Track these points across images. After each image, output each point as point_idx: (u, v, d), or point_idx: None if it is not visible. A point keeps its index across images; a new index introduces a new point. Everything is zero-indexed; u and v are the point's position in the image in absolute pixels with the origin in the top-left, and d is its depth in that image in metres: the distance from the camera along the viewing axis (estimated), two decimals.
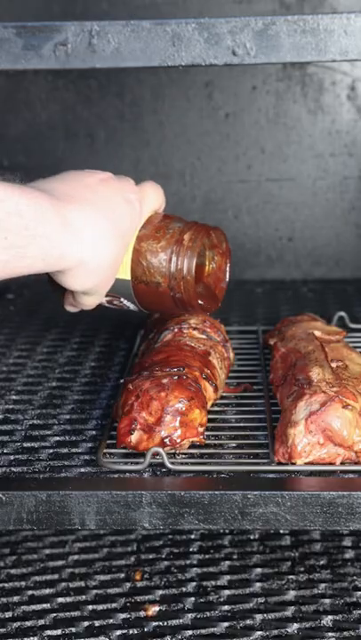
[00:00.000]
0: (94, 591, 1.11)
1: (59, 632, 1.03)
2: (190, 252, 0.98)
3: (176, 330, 1.09)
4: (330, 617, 1.04)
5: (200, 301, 1.02)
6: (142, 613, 1.06)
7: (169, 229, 1.00)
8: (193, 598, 1.09)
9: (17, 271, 0.84)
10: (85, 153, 1.62)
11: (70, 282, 0.91)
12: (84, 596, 1.10)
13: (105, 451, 0.96)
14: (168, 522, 0.89)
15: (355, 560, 1.15)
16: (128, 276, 0.99)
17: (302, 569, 1.14)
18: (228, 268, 1.06)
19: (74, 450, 0.99)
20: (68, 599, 1.09)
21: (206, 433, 0.97)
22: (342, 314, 1.29)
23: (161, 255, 0.98)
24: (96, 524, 0.89)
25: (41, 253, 0.84)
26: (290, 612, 1.06)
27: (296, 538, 1.20)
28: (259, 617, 1.05)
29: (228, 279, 1.06)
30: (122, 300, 1.01)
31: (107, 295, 0.99)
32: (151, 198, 1.01)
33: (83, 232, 0.88)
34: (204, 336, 1.09)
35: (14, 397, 1.13)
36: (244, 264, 1.65)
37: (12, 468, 0.95)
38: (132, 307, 1.02)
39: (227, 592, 1.10)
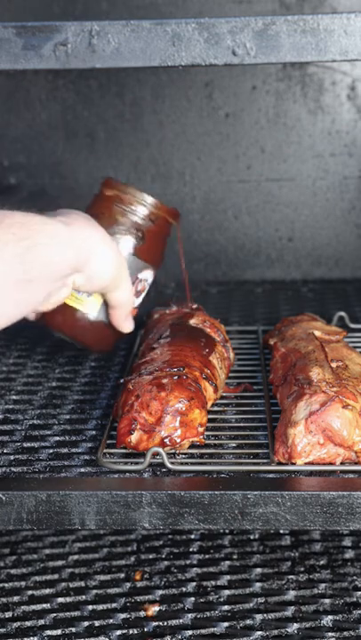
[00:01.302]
0: (94, 591, 1.11)
1: (59, 632, 1.03)
2: None
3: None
4: (330, 617, 1.04)
5: None
6: (142, 613, 1.06)
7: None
8: (193, 598, 1.09)
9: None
10: (85, 153, 1.62)
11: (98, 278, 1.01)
12: (84, 596, 1.10)
13: (105, 451, 0.96)
14: (168, 522, 0.89)
15: (355, 560, 1.15)
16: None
17: (302, 569, 1.14)
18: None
19: (74, 450, 0.99)
20: (68, 599, 1.09)
21: (206, 433, 0.97)
22: (342, 314, 1.29)
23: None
24: (96, 524, 0.89)
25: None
26: (290, 612, 1.06)
27: (296, 538, 1.20)
28: (259, 617, 1.05)
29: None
30: (140, 275, 1.11)
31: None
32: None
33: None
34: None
35: (14, 397, 1.13)
36: (244, 264, 1.65)
37: (12, 468, 0.95)
38: (150, 278, 1.14)
39: (227, 592, 1.10)
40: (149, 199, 1.12)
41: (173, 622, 1.05)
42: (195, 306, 1.20)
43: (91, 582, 1.12)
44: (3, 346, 1.31)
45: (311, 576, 1.12)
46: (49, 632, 1.03)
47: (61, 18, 1.56)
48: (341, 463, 0.93)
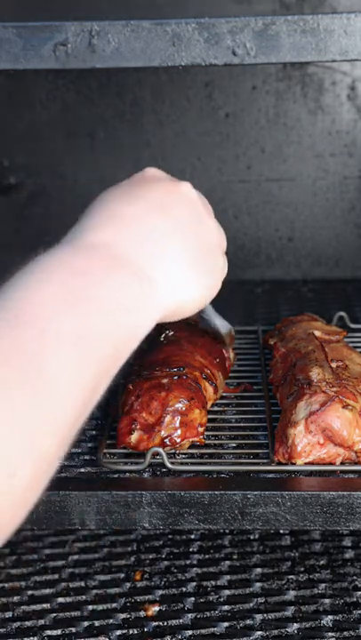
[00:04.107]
0: (94, 591, 1.11)
1: (59, 632, 1.03)
2: None
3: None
4: (330, 617, 1.04)
5: None
6: (142, 613, 1.06)
7: None
8: (193, 598, 1.09)
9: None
10: (85, 153, 1.62)
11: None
12: (84, 596, 1.10)
13: (105, 451, 0.96)
14: (168, 522, 0.89)
15: (355, 560, 1.15)
16: None
17: (302, 569, 1.14)
18: None
19: (74, 450, 0.99)
20: (68, 599, 1.09)
21: (206, 433, 0.97)
22: (342, 314, 1.29)
23: None
24: (96, 524, 0.89)
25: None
26: (290, 612, 1.06)
27: (296, 538, 1.20)
28: (259, 617, 1.04)
29: None
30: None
31: None
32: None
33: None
34: None
35: None
36: (244, 264, 1.65)
37: None
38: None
39: (227, 592, 1.10)
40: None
41: (173, 622, 1.05)
42: None
43: (91, 582, 1.12)
44: None
45: (311, 576, 1.12)
46: (49, 632, 1.03)
47: (61, 18, 1.56)
48: (341, 463, 0.93)
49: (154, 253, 0.71)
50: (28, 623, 1.05)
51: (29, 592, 1.11)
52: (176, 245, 0.74)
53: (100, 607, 1.08)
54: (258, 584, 1.11)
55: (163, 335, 1.09)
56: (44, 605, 1.08)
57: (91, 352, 0.62)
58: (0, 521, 0.56)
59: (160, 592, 1.10)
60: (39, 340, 0.57)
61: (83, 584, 1.12)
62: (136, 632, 1.03)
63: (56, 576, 1.14)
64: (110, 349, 0.64)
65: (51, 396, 0.57)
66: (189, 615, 1.05)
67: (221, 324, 1.12)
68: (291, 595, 1.09)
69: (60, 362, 0.58)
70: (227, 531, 1.21)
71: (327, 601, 1.07)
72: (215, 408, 1.06)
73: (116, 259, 0.68)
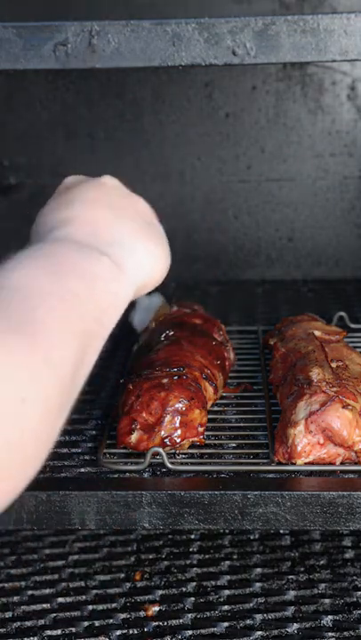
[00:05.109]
0: (94, 591, 1.11)
1: (59, 632, 1.03)
2: None
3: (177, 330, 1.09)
4: (330, 617, 1.04)
5: None
6: (142, 613, 1.06)
7: None
8: (193, 598, 1.09)
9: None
10: (85, 153, 1.62)
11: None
12: (84, 596, 1.10)
13: (105, 451, 0.96)
14: (168, 522, 0.89)
15: (355, 560, 1.15)
16: None
17: (302, 569, 1.14)
18: None
19: (74, 450, 0.99)
20: (68, 599, 1.09)
21: (206, 433, 0.97)
22: (342, 314, 1.29)
23: None
24: (96, 524, 0.89)
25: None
26: (290, 612, 1.06)
27: (296, 538, 1.20)
28: (259, 617, 1.04)
29: None
30: None
31: None
32: None
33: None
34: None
35: None
36: (244, 264, 1.65)
37: None
38: None
39: (227, 592, 1.10)
40: None
41: (173, 622, 1.05)
42: (195, 306, 1.20)
43: (91, 582, 1.12)
44: None
45: (311, 576, 1.12)
46: (49, 632, 1.03)
47: (61, 18, 1.56)
48: (341, 463, 0.93)
49: (109, 235, 0.77)
50: (28, 623, 1.05)
51: (29, 592, 1.11)
52: (124, 224, 0.80)
53: (100, 607, 1.08)
54: (258, 584, 1.11)
55: (163, 335, 1.09)
56: (44, 605, 1.08)
57: (74, 308, 0.66)
58: (22, 455, 0.57)
59: (160, 592, 1.10)
60: (25, 300, 0.62)
61: (83, 584, 1.12)
62: (136, 632, 1.03)
63: (56, 576, 1.14)
64: (93, 309, 0.69)
65: (43, 340, 0.61)
66: (189, 615, 1.05)
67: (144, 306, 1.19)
68: (291, 595, 1.09)
69: (47, 314, 0.63)
70: (227, 531, 1.21)
71: (327, 601, 1.07)
72: (215, 408, 1.06)
73: (79, 243, 0.74)
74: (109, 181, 0.85)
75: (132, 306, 1.02)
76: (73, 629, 1.04)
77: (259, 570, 1.14)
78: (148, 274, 0.80)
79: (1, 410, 0.55)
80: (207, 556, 1.17)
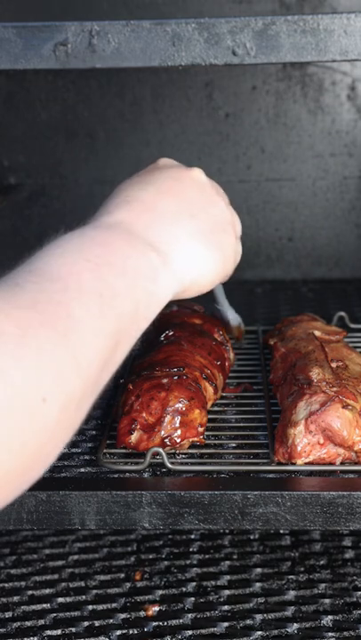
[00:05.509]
0: (94, 591, 1.11)
1: (59, 632, 1.03)
2: None
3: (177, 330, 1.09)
4: (330, 617, 1.04)
5: None
6: (142, 613, 1.06)
7: None
8: (193, 598, 1.09)
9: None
10: (85, 153, 1.62)
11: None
12: (84, 596, 1.10)
13: (105, 451, 0.96)
14: (168, 522, 0.89)
15: (355, 560, 1.15)
16: None
17: (302, 569, 1.14)
18: None
19: (74, 450, 0.99)
20: (68, 599, 1.09)
21: (206, 433, 0.97)
22: (342, 314, 1.29)
23: None
24: (96, 524, 0.89)
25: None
26: (290, 612, 1.06)
27: (296, 538, 1.20)
28: (259, 617, 1.04)
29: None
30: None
31: None
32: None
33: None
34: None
35: None
36: (244, 264, 1.63)
37: None
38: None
39: (227, 592, 1.10)
40: None
41: (173, 622, 1.05)
42: (195, 306, 1.20)
43: (91, 582, 1.12)
44: None
45: (311, 576, 1.12)
46: (49, 632, 1.03)
47: (61, 18, 1.56)
48: (341, 463, 0.93)
49: (165, 230, 0.77)
50: (28, 623, 1.05)
51: (29, 592, 1.11)
52: (186, 223, 0.79)
53: (100, 607, 1.07)
54: (258, 584, 1.11)
55: (163, 335, 1.09)
56: (44, 605, 1.08)
57: (112, 307, 0.65)
58: (37, 453, 0.56)
59: (160, 592, 1.10)
60: (63, 292, 0.61)
61: (83, 584, 1.12)
62: (136, 632, 1.03)
63: (56, 576, 1.14)
64: (130, 308, 0.68)
65: (75, 339, 0.60)
66: (189, 615, 1.05)
67: (233, 317, 1.19)
68: (291, 595, 1.09)
69: (83, 311, 0.62)
70: (227, 531, 1.21)
71: (327, 601, 1.07)
72: (215, 408, 1.06)
73: (131, 234, 0.73)
74: (196, 175, 0.85)
75: None
76: (73, 629, 1.04)
77: (259, 570, 1.14)
78: (194, 279, 0.79)
79: (20, 408, 0.54)
80: (207, 556, 1.17)
